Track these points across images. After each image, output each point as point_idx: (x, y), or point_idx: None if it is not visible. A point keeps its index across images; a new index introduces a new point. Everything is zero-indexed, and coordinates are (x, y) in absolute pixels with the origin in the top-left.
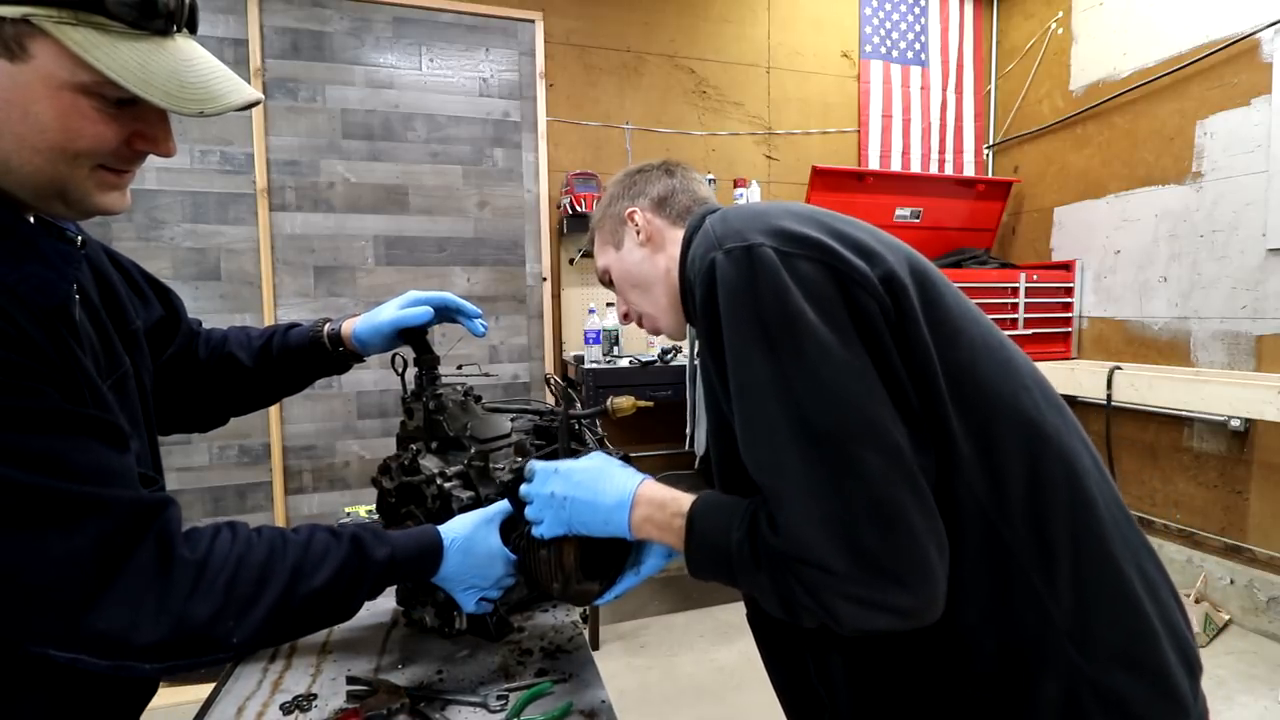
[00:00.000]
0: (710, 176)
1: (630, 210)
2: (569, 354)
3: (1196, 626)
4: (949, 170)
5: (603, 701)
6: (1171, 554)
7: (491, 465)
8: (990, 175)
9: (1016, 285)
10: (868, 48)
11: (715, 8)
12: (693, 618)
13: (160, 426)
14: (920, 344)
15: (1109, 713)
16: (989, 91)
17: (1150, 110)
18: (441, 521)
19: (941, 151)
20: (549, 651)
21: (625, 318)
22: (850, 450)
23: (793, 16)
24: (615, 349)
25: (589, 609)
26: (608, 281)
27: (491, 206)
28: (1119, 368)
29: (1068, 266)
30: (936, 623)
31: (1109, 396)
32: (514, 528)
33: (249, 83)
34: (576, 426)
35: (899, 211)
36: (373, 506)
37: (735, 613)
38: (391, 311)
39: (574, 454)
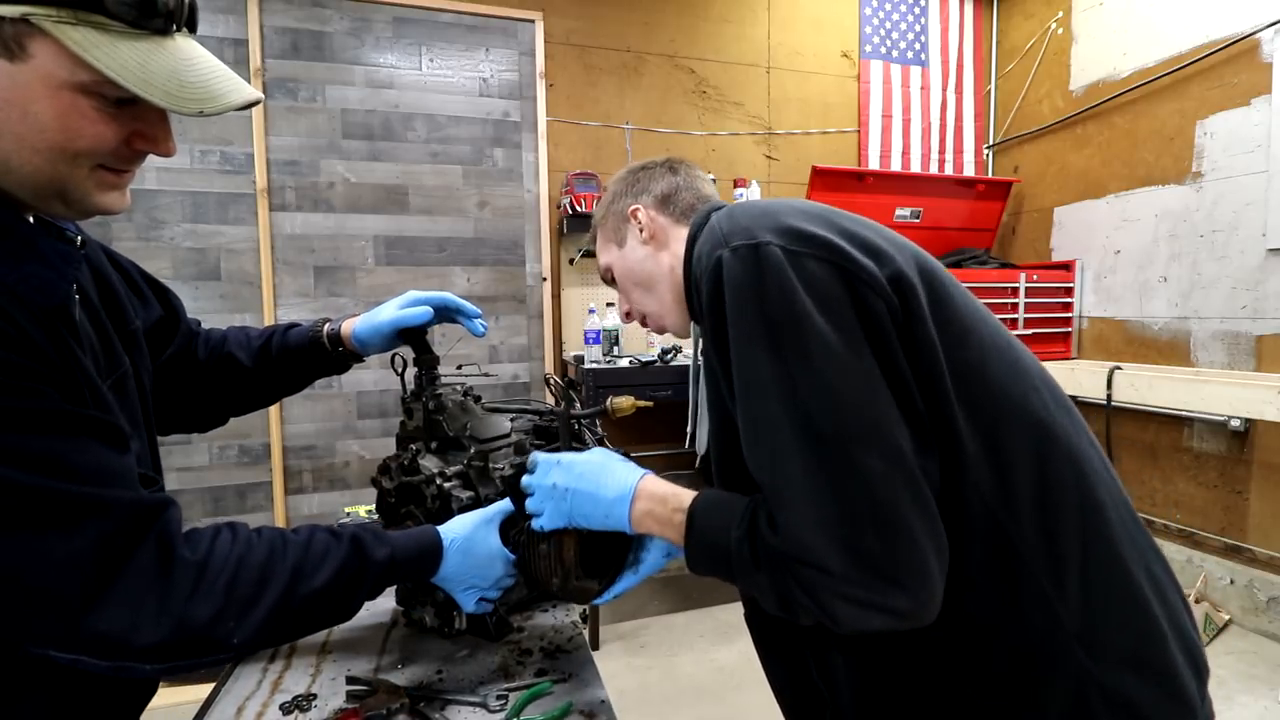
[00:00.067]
0: (710, 176)
1: (633, 208)
2: (569, 354)
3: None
4: (949, 170)
5: (602, 701)
6: (1171, 554)
7: (491, 465)
8: (990, 175)
9: (1016, 285)
10: (868, 48)
11: (715, 8)
12: (693, 618)
13: (160, 427)
14: (928, 344)
15: (1117, 714)
16: (989, 91)
17: (1150, 110)
18: (441, 521)
19: (941, 151)
20: (549, 651)
21: (627, 316)
22: (851, 452)
23: (793, 16)
24: (615, 349)
25: (588, 609)
26: (610, 279)
27: (491, 206)
28: (1119, 368)
29: (1068, 266)
30: (944, 623)
31: (1109, 396)
32: (513, 527)
33: (249, 82)
34: (576, 426)
35: (899, 211)
36: (373, 506)
37: (735, 613)
38: (391, 311)
39: (574, 451)
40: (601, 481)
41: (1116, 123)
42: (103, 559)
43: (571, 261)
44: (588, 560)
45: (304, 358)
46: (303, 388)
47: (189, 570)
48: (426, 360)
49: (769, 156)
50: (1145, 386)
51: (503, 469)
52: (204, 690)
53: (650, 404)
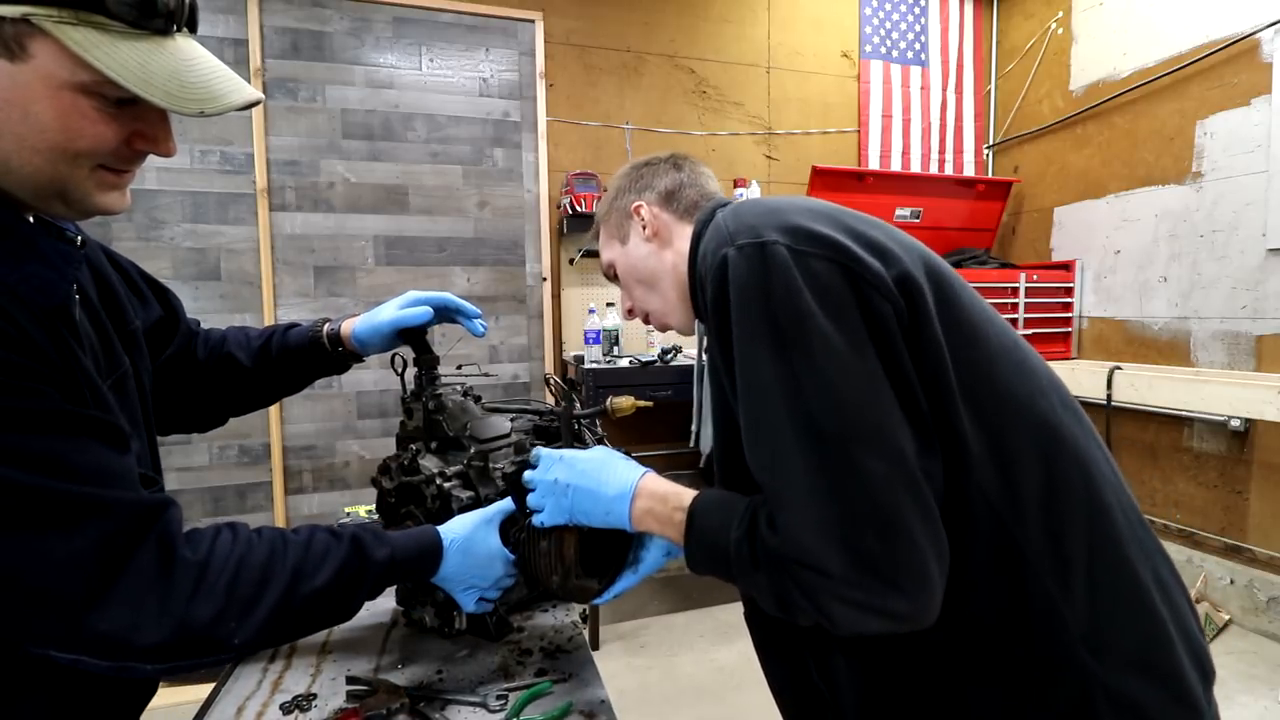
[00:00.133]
0: None
1: (636, 204)
2: (569, 354)
3: None
4: (949, 170)
5: (602, 701)
6: (1171, 554)
7: (491, 465)
8: (990, 175)
9: (1016, 285)
10: (868, 48)
11: (715, 8)
12: (693, 618)
13: (159, 427)
14: (933, 345)
15: (1122, 717)
16: (989, 91)
17: (1150, 110)
18: (441, 521)
19: (941, 151)
20: (549, 651)
21: (630, 313)
22: (853, 453)
23: (793, 16)
24: (615, 349)
25: (588, 609)
26: (612, 276)
27: (491, 206)
28: (1119, 368)
29: (1068, 266)
30: (947, 625)
31: (1109, 396)
32: (513, 526)
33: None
34: (577, 426)
35: (899, 211)
36: (373, 506)
37: (735, 613)
38: (391, 311)
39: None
40: (602, 479)
41: (1116, 123)
42: (104, 559)
43: (571, 261)
44: (588, 559)
45: (304, 358)
46: (303, 388)
47: (190, 570)
48: (426, 360)
49: (769, 156)
50: (1145, 386)
51: (503, 468)
52: (204, 690)
53: (650, 404)
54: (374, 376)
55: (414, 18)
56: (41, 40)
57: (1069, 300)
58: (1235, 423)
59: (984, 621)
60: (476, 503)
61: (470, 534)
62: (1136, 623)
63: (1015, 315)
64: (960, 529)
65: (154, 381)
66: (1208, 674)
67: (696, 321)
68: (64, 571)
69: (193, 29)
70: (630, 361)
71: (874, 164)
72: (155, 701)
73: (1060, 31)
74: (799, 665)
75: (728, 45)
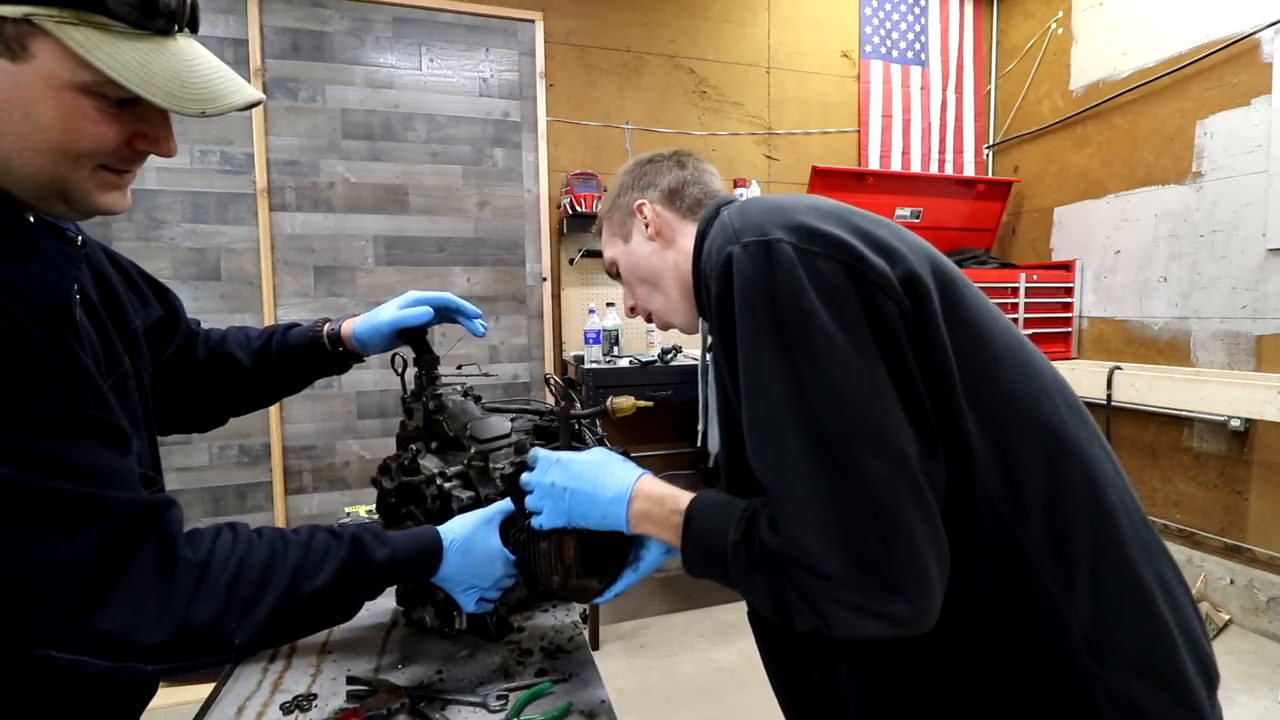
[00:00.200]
0: None
1: (639, 202)
2: (569, 354)
3: None
4: (949, 170)
5: (602, 701)
6: (1171, 554)
7: (491, 465)
8: (990, 175)
9: (1016, 285)
10: (868, 48)
11: (715, 8)
12: (693, 618)
13: (160, 427)
14: (938, 346)
15: None
16: (989, 91)
17: (1150, 110)
18: (441, 521)
19: (941, 151)
20: (549, 651)
21: (632, 311)
22: (855, 455)
23: (793, 16)
24: (615, 349)
25: (588, 609)
26: (615, 273)
27: (491, 206)
28: (1119, 368)
29: (1068, 266)
30: (949, 627)
31: (1109, 396)
32: (513, 526)
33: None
34: (577, 426)
35: (899, 211)
36: (373, 506)
37: (735, 613)
38: (391, 311)
39: (574, 450)
40: (599, 481)
41: (1116, 123)
42: (105, 559)
43: (571, 261)
44: (588, 559)
45: (304, 358)
46: (303, 388)
47: (191, 571)
48: (426, 360)
49: (769, 156)
50: (1145, 386)
51: (503, 468)
52: (204, 690)
53: (650, 404)
54: (374, 376)
55: (414, 18)
56: (43, 40)
57: (1069, 300)
58: (1235, 423)
59: (986, 623)
60: (476, 503)
61: (470, 534)
62: (1139, 625)
63: (1015, 315)
64: (963, 530)
65: (154, 381)
66: (1211, 677)
67: (700, 320)
68: (65, 571)
69: (194, 29)
70: (630, 361)
71: (874, 164)
72: (155, 701)
73: (1060, 31)
74: (800, 667)
75: (728, 45)
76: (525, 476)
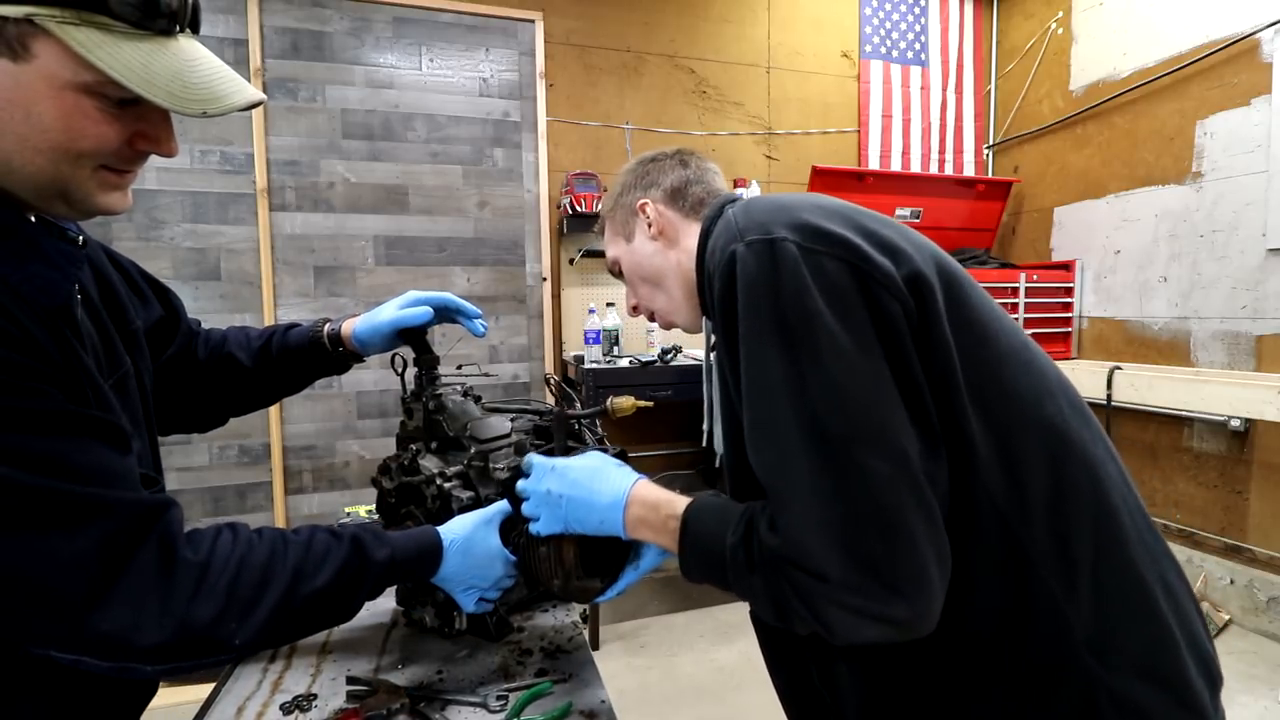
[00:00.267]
0: None
1: (642, 202)
2: (569, 354)
3: None
4: (949, 170)
5: (602, 701)
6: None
7: (491, 465)
8: (990, 175)
9: (1016, 285)
10: (868, 48)
11: (715, 8)
12: (693, 618)
13: (160, 427)
14: (942, 345)
15: None
16: (989, 91)
17: (1150, 110)
18: (441, 522)
19: (941, 151)
20: (549, 651)
21: (634, 310)
22: (856, 453)
23: (793, 16)
24: (615, 349)
25: (589, 608)
26: (617, 273)
27: (491, 206)
28: (1119, 368)
29: (1068, 266)
30: (950, 628)
31: (1109, 396)
32: (513, 527)
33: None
34: (576, 426)
35: (899, 211)
36: (373, 506)
37: (735, 613)
38: (391, 311)
39: (570, 452)
40: (595, 488)
41: (1116, 123)
42: (106, 559)
43: (571, 261)
44: (589, 559)
45: (304, 358)
46: (303, 388)
47: (191, 571)
48: (426, 360)
49: (769, 156)
50: (1145, 386)
51: (502, 469)
52: (204, 690)
53: (650, 404)
54: (374, 376)
55: (414, 18)
56: (44, 40)
57: (1069, 300)
58: (1235, 423)
59: (987, 623)
60: (476, 503)
61: (470, 534)
62: (1142, 626)
63: (1015, 315)
64: (965, 530)
65: (155, 381)
66: (1214, 679)
67: (704, 320)
68: (66, 571)
69: (195, 30)
70: (630, 361)
71: (874, 164)
72: (155, 701)
73: (1060, 31)
74: (801, 669)
75: (728, 45)
76: (520, 484)
